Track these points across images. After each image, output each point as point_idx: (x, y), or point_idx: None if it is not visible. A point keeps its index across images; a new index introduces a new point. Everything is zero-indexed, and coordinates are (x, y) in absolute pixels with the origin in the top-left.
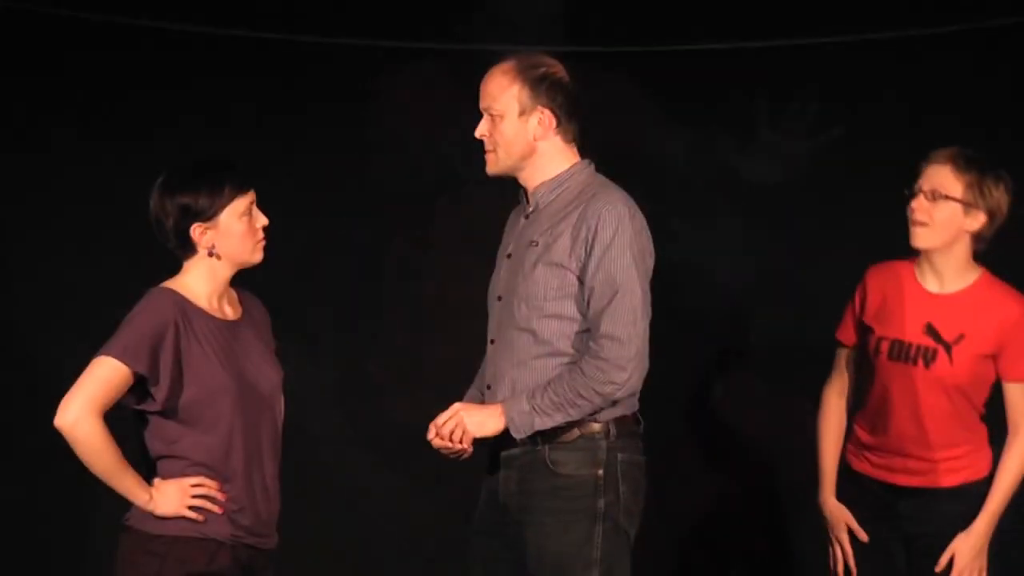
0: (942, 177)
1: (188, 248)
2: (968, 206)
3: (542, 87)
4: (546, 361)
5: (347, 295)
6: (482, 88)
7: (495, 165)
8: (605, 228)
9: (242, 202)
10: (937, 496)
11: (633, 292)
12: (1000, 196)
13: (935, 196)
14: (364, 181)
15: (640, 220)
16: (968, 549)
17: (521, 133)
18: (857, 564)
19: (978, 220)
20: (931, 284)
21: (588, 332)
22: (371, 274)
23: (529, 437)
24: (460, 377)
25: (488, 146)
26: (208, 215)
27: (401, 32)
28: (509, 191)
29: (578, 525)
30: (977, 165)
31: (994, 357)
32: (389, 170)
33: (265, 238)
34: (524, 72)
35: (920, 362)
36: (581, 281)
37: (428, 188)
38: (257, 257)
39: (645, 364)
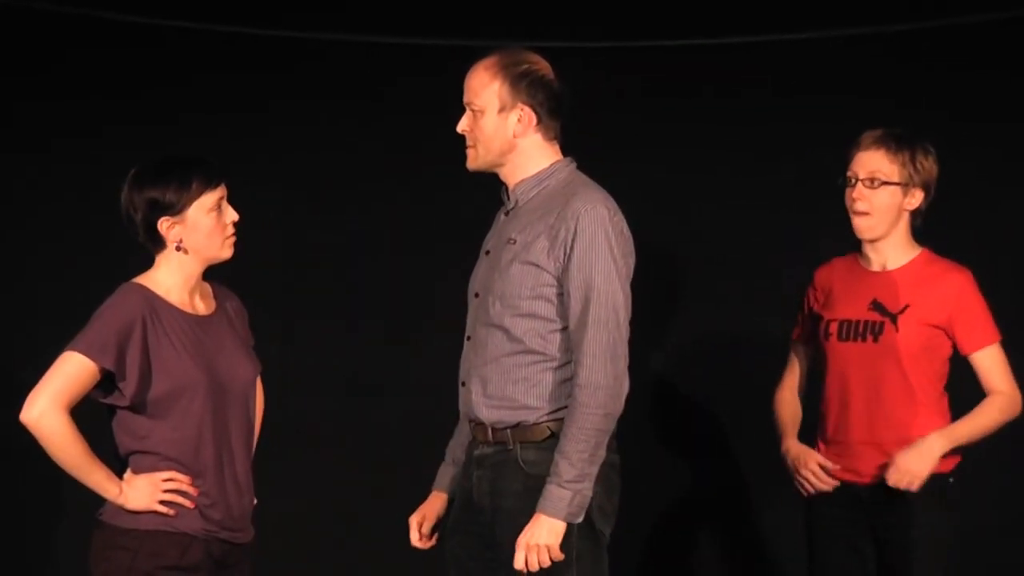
0: (876, 162)
1: (157, 242)
2: (906, 186)
3: (523, 84)
4: (518, 359)
5: (334, 291)
6: (465, 82)
7: (475, 160)
8: (585, 229)
9: (210, 197)
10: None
11: (614, 294)
12: (931, 167)
13: (874, 183)
14: (360, 178)
15: (620, 220)
16: (911, 453)
17: (501, 129)
18: (827, 566)
19: (916, 198)
20: (874, 264)
21: (562, 332)
22: (358, 272)
23: (501, 438)
24: (445, 375)
25: (469, 141)
26: (176, 209)
27: (399, 28)
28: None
29: None
30: (907, 143)
31: (946, 331)
32: (386, 167)
33: (236, 233)
34: (506, 68)
35: (869, 337)
36: (559, 282)
37: (423, 185)
38: (226, 253)
39: (627, 359)
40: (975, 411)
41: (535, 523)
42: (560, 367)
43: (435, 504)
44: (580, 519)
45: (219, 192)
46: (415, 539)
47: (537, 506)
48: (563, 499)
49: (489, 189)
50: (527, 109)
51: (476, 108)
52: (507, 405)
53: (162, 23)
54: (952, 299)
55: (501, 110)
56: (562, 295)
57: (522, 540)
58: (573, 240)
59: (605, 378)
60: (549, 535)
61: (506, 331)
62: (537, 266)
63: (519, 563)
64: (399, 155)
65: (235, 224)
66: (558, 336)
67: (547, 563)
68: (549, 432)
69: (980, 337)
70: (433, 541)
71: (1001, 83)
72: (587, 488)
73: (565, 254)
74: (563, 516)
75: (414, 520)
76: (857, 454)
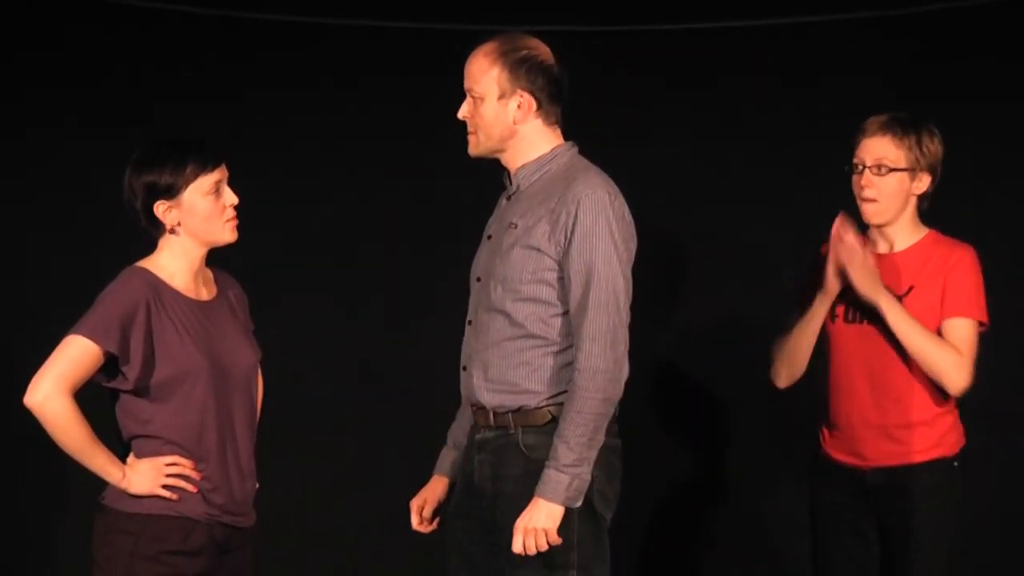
0: (883, 149)
1: (158, 227)
2: (913, 171)
3: (522, 70)
4: (519, 343)
5: (334, 278)
6: (465, 69)
7: (476, 147)
8: (585, 214)
9: (207, 180)
10: (907, 470)
11: (615, 279)
12: (937, 150)
13: (881, 170)
14: (360, 164)
15: (621, 204)
16: (863, 251)
17: (501, 116)
18: (831, 550)
19: (924, 182)
20: (881, 246)
21: (564, 316)
22: (359, 259)
23: (502, 422)
24: (446, 360)
25: (470, 127)
26: (172, 193)
27: (402, 13)
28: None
29: None
30: (913, 128)
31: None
32: (387, 153)
33: (236, 216)
34: (505, 55)
35: (876, 320)
36: (560, 266)
37: (425, 170)
38: (227, 236)
39: (627, 344)
40: (934, 335)
41: (533, 507)
42: (561, 351)
43: (436, 488)
44: (578, 503)
45: (216, 175)
46: (416, 523)
47: (535, 490)
48: (561, 483)
49: (490, 175)
50: (527, 95)
51: (476, 95)
52: (508, 389)
53: (164, 7)
54: (947, 271)
55: (501, 97)
56: (563, 279)
57: (520, 524)
58: (574, 224)
59: (604, 362)
60: (547, 519)
61: (507, 315)
62: (538, 250)
63: (517, 547)
64: (400, 141)
65: (236, 208)
66: (559, 320)
67: (544, 547)
68: (550, 416)
69: (959, 307)
70: (434, 525)
71: (1007, 66)
72: (585, 472)
73: (566, 238)
74: (561, 500)
75: (415, 504)
76: (861, 438)
